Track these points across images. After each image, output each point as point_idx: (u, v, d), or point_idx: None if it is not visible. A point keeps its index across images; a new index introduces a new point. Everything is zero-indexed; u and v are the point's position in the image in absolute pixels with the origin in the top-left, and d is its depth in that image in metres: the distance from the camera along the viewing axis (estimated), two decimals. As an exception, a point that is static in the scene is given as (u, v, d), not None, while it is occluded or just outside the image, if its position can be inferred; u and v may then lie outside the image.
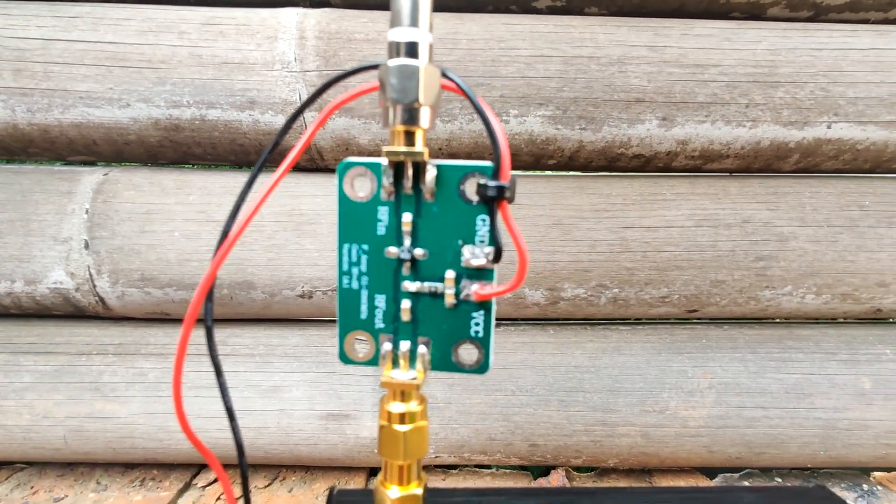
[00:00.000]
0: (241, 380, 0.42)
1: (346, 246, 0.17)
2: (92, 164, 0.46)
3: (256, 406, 0.42)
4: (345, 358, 0.18)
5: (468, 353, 0.17)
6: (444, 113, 0.40)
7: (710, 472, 0.48)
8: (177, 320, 0.45)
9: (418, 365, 0.17)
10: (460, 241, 0.17)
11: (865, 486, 0.47)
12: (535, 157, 0.43)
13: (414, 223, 0.17)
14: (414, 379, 0.17)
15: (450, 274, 0.17)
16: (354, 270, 0.17)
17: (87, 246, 0.40)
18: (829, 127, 0.41)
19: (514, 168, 0.45)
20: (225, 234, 0.18)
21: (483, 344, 0.17)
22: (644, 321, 0.47)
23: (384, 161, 0.16)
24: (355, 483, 0.45)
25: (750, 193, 0.43)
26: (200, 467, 0.47)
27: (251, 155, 0.43)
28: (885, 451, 0.44)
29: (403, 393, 0.17)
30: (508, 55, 0.39)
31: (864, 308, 0.44)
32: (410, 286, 0.17)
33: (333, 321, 0.46)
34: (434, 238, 0.17)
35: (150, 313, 0.43)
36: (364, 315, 0.18)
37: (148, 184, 0.42)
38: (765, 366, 0.44)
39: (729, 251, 0.42)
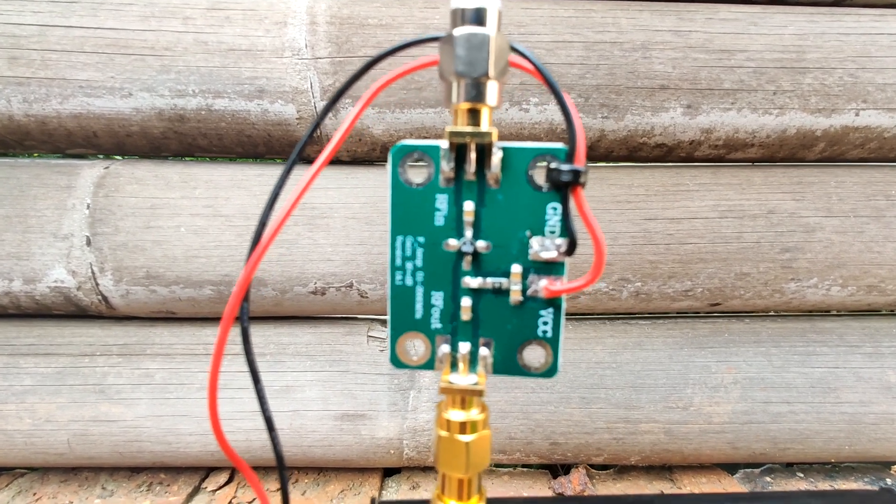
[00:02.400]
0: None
1: (399, 238, 0.16)
2: (92, 156, 0.45)
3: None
4: (397, 362, 0.16)
5: (535, 354, 0.16)
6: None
7: (731, 467, 0.47)
8: (184, 319, 0.43)
9: (479, 368, 0.16)
10: (528, 232, 0.15)
11: (889, 481, 0.46)
12: (554, 147, 0.41)
13: (476, 212, 0.15)
14: (476, 384, 0.15)
15: (516, 268, 0.16)
16: (409, 265, 0.16)
17: (88, 242, 0.39)
18: (857, 114, 0.40)
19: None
20: (262, 227, 0.16)
21: (552, 345, 0.16)
22: (664, 315, 0.46)
23: (443, 144, 0.15)
24: (370, 484, 0.44)
25: (775, 183, 0.42)
26: (209, 470, 0.45)
27: (259, 146, 0.41)
28: (910, 445, 0.43)
29: (464, 400, 0.15)
30: (528, 41, 0.38)
31: (890, 300, 0.43)
32: (472, 282, 0.16)
33: (346, 318, 0.45)
34: (499, 229, 0.15)
35: (156, 312, 0.42)
36: (419, 314, 0.16)
37: (152, 177, 0.40)
38: (789, 360, 0.43)
39: (754, 243, 0.41)
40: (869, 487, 0.45)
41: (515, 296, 0.15)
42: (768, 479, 0.46)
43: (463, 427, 0.15)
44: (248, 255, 0.16)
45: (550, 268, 0.15)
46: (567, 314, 0.46)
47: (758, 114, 0.39)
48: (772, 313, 0.46)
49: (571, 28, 0.38)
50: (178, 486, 0.43)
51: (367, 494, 0.42)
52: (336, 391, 0.41)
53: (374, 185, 0.41)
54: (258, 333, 0.43)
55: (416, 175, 0.15)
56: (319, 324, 0.44)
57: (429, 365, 0.16)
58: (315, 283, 0.40)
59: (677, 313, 0.46)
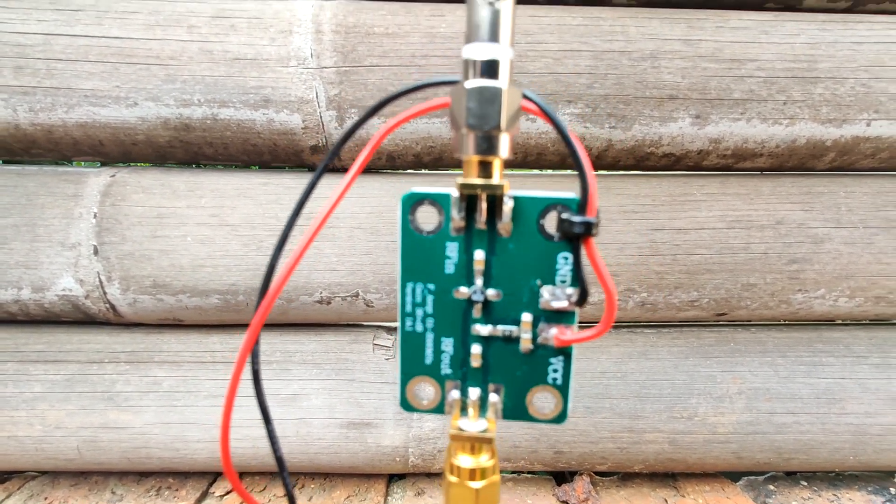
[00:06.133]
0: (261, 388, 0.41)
1: (409, 285, 0.16)
2: (98, 164, 0.45)
3: (275, 414, 0.41)
4: (407, 406, 0.16)
5: (545, 401, 0.16)
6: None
7: (734, 475, 0.48)
8: (190, 326, 0.43)
9: (489, 414, 0.16)
10: (538, 281, 0.15)
11: (893, 490, 0.46)
12: (561, 157, 0.41)
13: (487, 261, 0.15)
14: (485, 431, 0.15)
15: (526, 317, 0.16)
16: (419, 312, 0.16)
17: (96, 252, 0.39)
18: (868, 124, 0.39)
19: (539, 168, 0.43)
20: (283, 240, 0.16)
21: (562, 392, 0.16)
22: (670, 324, 0.46)
23: (454, 192, 0.15)
24: (375, 490, 0.44)
25: (783, 193, 0.41)
26: (216, 476, 0.46)
27: (264, 154, 0.41)
28: (915, 455, 0.43)
29: (474, 446, 0.15)
30: (536, 50, 0.38)
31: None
32: (482, 330, 0.16)
33: (351, 325, 0.45)
34: (509, 277, 0.15)
35: (163, 319, 0.42)
36: (429, 360, 0.16)
37: (158, 186, 0.40)
38: (795, 370, 0.43)
39: (762, 253, 0.40)
40: (874, 498, 0.45)
41: (526, 344, 0.15)
42: (771, 486, 0.47)
43: (472, 474, 0.15)
44: (261, 297, 0.16)
45: (561, 317, 0.15)
46: (572, 323, 0.46)
47: (767, 124, 0.39)
48: (778, 322, 0.46)
49: (579, 37, 0.38)
50: (187, 491, 0.43)
51: (372, 500, 0.43)
52: (342, 399, 0.41)
53: (380, 194, 0.41)
54: (265, 341, 0.43)
55: (427, 223, 0.15)
56: (325, 332, 0.44)
57: (439, 409, 0.16)
58: (321, 292, 0.40)
59: (683, 322, 0.46)
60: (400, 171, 0.44)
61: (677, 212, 0.40)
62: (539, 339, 0.15)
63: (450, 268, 0.15)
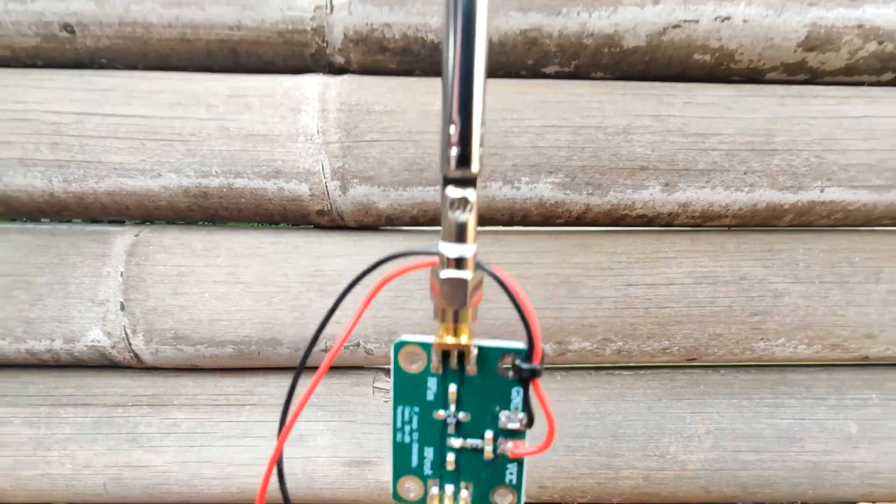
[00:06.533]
0: (270, 429, 0.45)
1: (399, 408, 0.20)
2: (121, 222, 0.49)
3: (284, 454, 0.45)
4: (398, 497, 0.21)
5: (503, 497, 0.20)
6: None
7: (707, 504, 0.51)
8: (205, 370, 0.47)
9: None
10: (497, 408, 0.20)
11: (852, 518, 0.50)
12: (544, 218, 0.45)
13: (458, 392, 0.19)
14: None
15: (489, 434, 0.20)
16: (407, 427, 0.20)
17: (122, 307, 0.43)
18: (822, 191, 0.43)
19: (525, 225, 0.47)
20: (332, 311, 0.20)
21: (517, 489, 0.20)
22: (646, 366, 0.50)
23: (434, 339, 0.19)
24: (375, 519, 0.48)
25: (747, 251, 0.45)
26: (229, 505, 0.50)
27: (274, 216, 0.45)
28: (869, 489, 0.47)
29: None
30: (520, 126, 0.42)
31: (853, 356, 0.47)
32: (455, 443, 0.20)
33: (354, 368, 0.49)
34: (475, 404, 0.20)
35: (181, 366, 0.46)
36: (415, 464, 0.20)
37: (178, 245, 0.44)
38: (759, 411, 0.47)
39: (726, 307, 0.44)
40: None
41: (488, 454, 0.20)
42: (741, 515, 0.50)
43: (448, 552, 0.19)
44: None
45: (514, 434, 0.19)
46: (557, 367, 0.50)
47: (730, 191, 0.43)
48: (745, 364, 0.50)
49: (560, 113, 0.42)
50: (202, 521, 0.47)
51: (372, 529, 0.47)
52: (344, 440, 0.45)
53: (380, 251, 0.44)
54: (274, 384, 0.47)
55: (413, 366, 0.19)
56: (329, 374, 0.48)
57: (421, 501, 0.20)
58: (325, 342, 0.44)
59: (657, 364, 0.50)
60: (398, 227, 0.48)
61: (649, 269, 0.44)
62: (498, 451, 0.20)
63: (430, 396, 0.19)
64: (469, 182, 0.16)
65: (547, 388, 0.47)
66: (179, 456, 0.44)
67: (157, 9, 0.40)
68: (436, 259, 0.17)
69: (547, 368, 0.49)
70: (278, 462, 0.26)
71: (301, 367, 0.24)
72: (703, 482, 0.46)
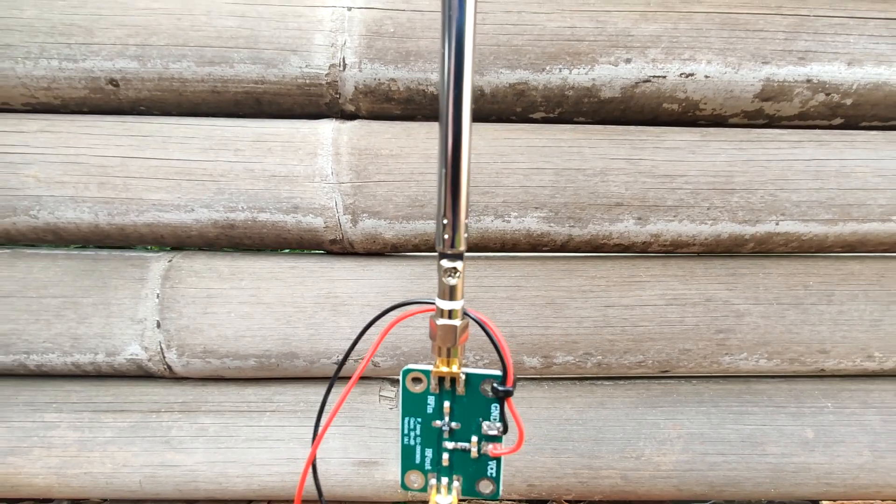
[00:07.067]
0: (287, 433, 0.51)
1: (406, 418, 0.26)
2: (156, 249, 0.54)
3: (300, 455, 0.50)
4: (405, 487, 0.26)
5: (486, 486, 0.25)
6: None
7: (683, 503, 0.57)
8: (229, 380, 0.53)
9: (453, 493, 0.26)
10: (480, 419, 0.25)
11: (811, 516, 0.55)
12: (532, 246, 0.51)
13: (451, 407, 0.25)
14: (451, 503, 0.25)
15: (474, 439, 0.26)
16: (412, 433, 0.26)
17: (158, 325, 0.49)
18: (777, 224, 0.49)
19: (514, 251, 0.53)
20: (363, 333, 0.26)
21: (496, 481, 0.25)
22: (625, 377, 0.55)
23: (433, 367, 0.24)
24: (380, 515, 0.53)
25: (713, 275, 0.51)
26: (249, 503, 0.55)
27: (292, 244, 0.51)
28: (825, 488, 0.53)
29: None
30: (509, 168, 0.47)
31: (810, 369, 0.52)
32: (448, 445, 0.26)
33: (363, 378, 0.54)
34: (464, 416, 0.26)
35: (208, 376, 0.52)
36: (418, 461, 0.26)
37: (207, 270, 0.50)
38: (725, 418, 0.52)
39: (694, 325, 0.50)
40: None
41: (473, 454, 0.25)
42: (711, 512, 0.56)
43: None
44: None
45: (494, 438, 0.25)
46: (543, 378, 0.55)
47: (696, 224, 0.49)
48: (714, 376, 0.55)
49: (544, 157, 0.47)
50: (225, 516, 0.53)
51: (378, 524, 0.52)
52: (354, 442, 0.51)
53: (387, 276, 0.50)
54: (290, 393, 0.52)
55: (417, 387, 0.25)
56: (339, 384, 0.53)
57: (423, 490, 0.26)
58: (338, 356, 0.50)
59: (634, 376, 0.55)
60: (402, 254, 0.53)
61: (626, 291, 0.50)
62: (482, 451, 0.25)
63: (430, 410, 0.25)
64: (457, 257, 0.21)
65: (535, 397, 0.53)
66: (207, 457, 0.50)
67: (192, 67, 0.46)
68: (434, 307, 0.23)
69: (535, 379, 0.55)
70: (313, 464, 0.31)
71: (333, 379, 0.29)
72: (675, 481, 0.51)
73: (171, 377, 0.52)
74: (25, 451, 0.50)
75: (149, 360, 0.49)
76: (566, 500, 0.56)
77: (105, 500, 0.54)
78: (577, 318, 0.50)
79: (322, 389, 0.53)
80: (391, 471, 0.51)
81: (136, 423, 0.51)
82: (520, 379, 0.55)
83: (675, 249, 0.52)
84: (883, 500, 0.57)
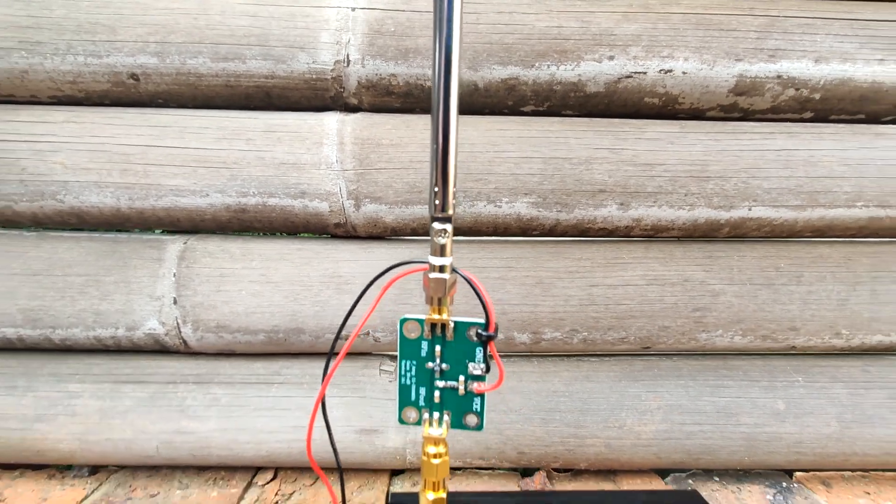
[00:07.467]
0: (294, 403, 0.55)
1: (403, 361, 0.29)
2: (172, 232, 0.58)
3: (305, 424, 0.54)
4: (402, 421, 0.30)
5: (471, 419, 0.29)
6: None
7: (663, 472, 0.61)
8: (240, 355, 0.57)
9: (443, 426, 0.30)
10: (467, 360, 0.29)
11: (784, 484, 0.59)
12: (522, 230, 0.54)
13: (441, 351, 0.29)
14: (441, 434, 0.29)
15: (461, 378, 0.29)
16: (408, 374, 0.29)
17: (175, 302, 0.52)
18: (749, 209, 0.52)
19: (506, 235, 0.57)
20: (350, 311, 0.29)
21: (479, 415, 0.29)
22: (609, 353, 0.59)
23: (426, 316, 0.28)
24: (381, 481, 0.57)
25: (691, 257, 0.55)
26: (257, 469, 0.59)
27: (299, 227, 0.55)
28: (796, 457, 0.56)
29: (436, 441, 0.29)
30: (501, 157, 0.51)
31: (781, 345, 0.56)
32: (440, 384, 0.30)
33: (364, 354, 0.58)
34: (452, 358, 0.29)
35: (220, 350, 0.55)
36: (413, 398, 0.30)
37: (220, 251, 0.54)
38: (702, 391, 0.56)
39: (672, 304, 0.54)
40: (768, 490, 0.58)
41: (461, 391, 0.29)
42: (690, 481, 0.60)
43: (435, 455, 0.29)
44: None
45: (478, 378, 0.29)
46: (533, 354, 0.59)
47: (674, 209, 0.52)
48: (694, 353, 0.59)
49: (533, 146, 0.51)
50: (236, 481, 0.57)
51: (379, 489, 0.56)
52: (356, 412, 0.55)
53: (387, 257, 0.54)
54: (297, 367, 0.56)
55: (412, 334, 0.29)
56: (344, 359, 0.57)
57: (418, 423, 0.30)
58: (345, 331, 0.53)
59: (619, 352, 0.59)
60: (402, 237, 0.57)
61: (609, 272, 0.54)
62: (468, 389, 0.29)
63: (423, 353, 0.29)
64: (447, 220, 0.25)
65: (525, 371, 0.57)
66: (220, 424, 0.54)
67: (208, 62, 0.50)
68: (427, 265, 0.26)
69: (525, 354, 0.59)
70: (328, 428, 0.35)
71: (332, 349, 0.32)
72: (655, 450, 0.55)
73: (186, 351, 0.56)
74: (51, 419, 0.54)
75: (166, 335, 0.53)
76: (553, 469, 0.59)
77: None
78: (563, 296, 0.53)
79: (332, 362, 0.56)
80: (391, 438, 0.54)
81: (153, 394, 0.54)
82: (511, 354, 0.59)
83: (655, 234, 0.56)
84: (852, 471, 0.60)
